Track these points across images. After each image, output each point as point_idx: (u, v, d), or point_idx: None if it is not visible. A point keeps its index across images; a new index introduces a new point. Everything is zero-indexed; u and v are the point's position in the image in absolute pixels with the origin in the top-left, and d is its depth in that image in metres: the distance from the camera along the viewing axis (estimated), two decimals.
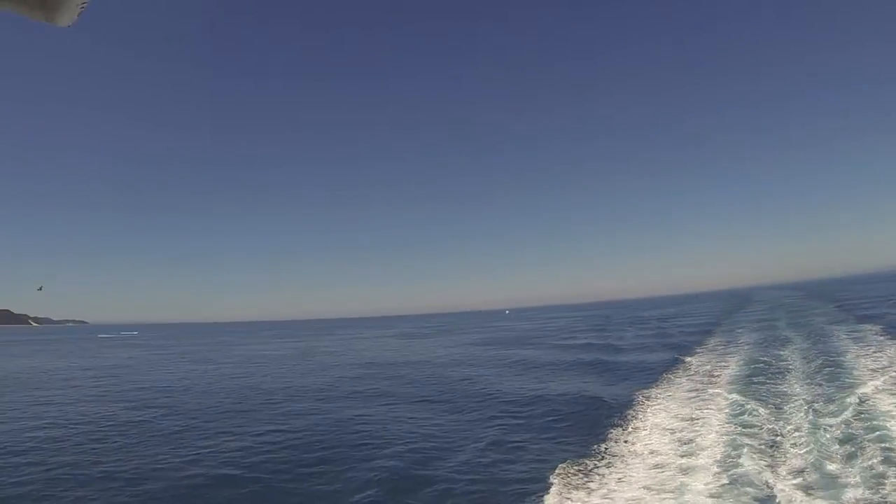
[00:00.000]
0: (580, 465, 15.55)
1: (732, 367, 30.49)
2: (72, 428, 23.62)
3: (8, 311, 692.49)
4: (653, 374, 31.27)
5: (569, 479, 14.42)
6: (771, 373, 27.01)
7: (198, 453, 18.76)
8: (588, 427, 20.37)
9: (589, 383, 31.07)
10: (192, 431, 22.31)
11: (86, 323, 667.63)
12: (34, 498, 14.89)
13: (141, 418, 25.45)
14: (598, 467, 15.33)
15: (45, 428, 23.81)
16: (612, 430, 19.19)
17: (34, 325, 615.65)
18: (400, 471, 16.15)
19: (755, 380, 25.52)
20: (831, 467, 13.28)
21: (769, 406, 19.93)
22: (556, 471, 15.04)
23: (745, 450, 14.84)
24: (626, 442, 17.78)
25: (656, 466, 14.98)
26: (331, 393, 31.48)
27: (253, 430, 22.14)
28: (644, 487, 13.57)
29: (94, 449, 19.81)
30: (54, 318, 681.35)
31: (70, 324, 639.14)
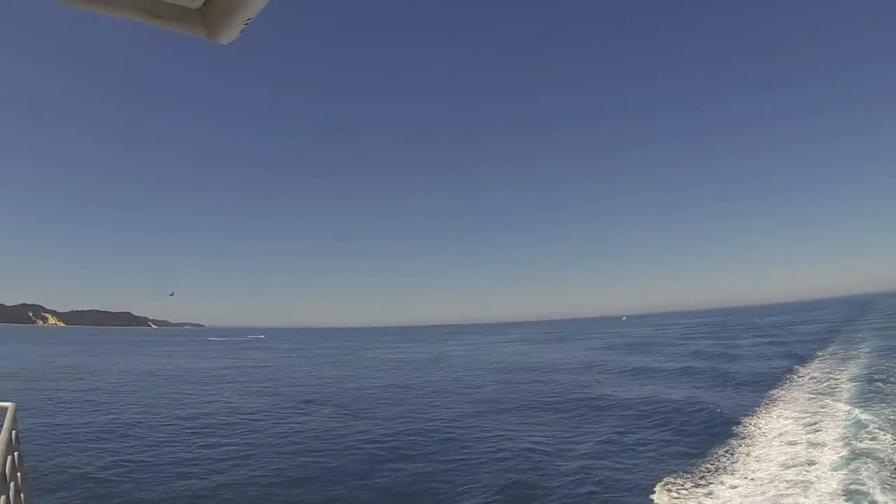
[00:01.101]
0: (688, 474, 16.82)
1: (852, 374, 31.09)
2: (247, 415, 28.51)
3: (129, 313, 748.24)
4: (768, 382, 32.54)
5: (674, 491, 15.43)
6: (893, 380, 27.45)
7: (354, 441, 22.57)
8: (704, 432, 21.97)
9: (705, 390, 32.60)
10: (354, 425, 26.31)
11: (202, 326, 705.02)
12: (239, 466, 19.01)
13: (306, 411, 29.91)
14: (714, 471, 16.68)
15: (224, 414, 28.90)
16: (729, 436, 20.64)
17: (153, 326, 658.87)
18: (525, 466, 18.11)
19: (876, 387, 25.94)
20: None
21: (892, 417, 20.18)
22: (665, 478, 16.45)
23: (867, 459, 15.18)
24: (742, 448, 18.94)
25: (777, 469, 15.73)
26: (469, 394, 34.48)
27: (402, 424, 25.87)
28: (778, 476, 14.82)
29: (274, 432, 24.32)
30: (172, 321, 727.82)
31: (187, 326, 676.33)
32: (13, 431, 5.24)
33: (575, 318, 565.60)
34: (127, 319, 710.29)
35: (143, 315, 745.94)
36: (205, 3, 1.80)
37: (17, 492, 4.61)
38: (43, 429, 23.62)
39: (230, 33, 1.80)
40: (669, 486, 15.58)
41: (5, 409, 5.87)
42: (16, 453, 5.05)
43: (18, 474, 4.87)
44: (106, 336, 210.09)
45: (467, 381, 41.32)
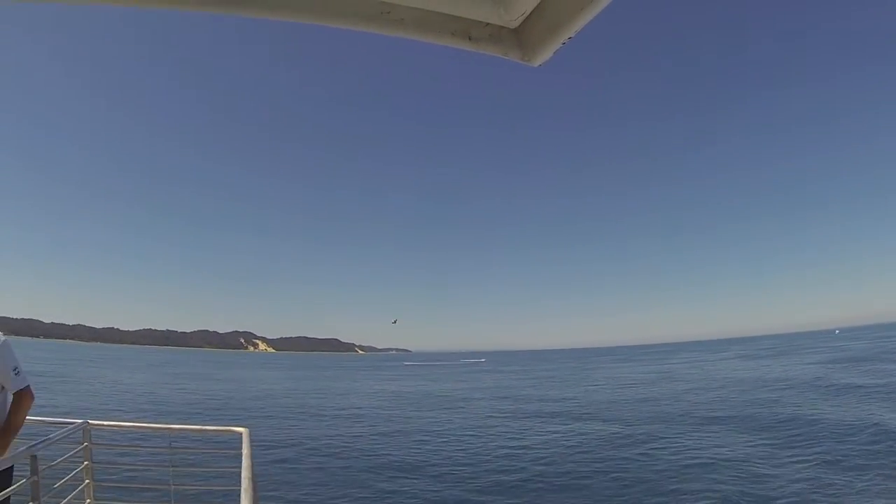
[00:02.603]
0: None
1: None
2: (528, 431, 29.72)
3: (336, 339, 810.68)
4: None
5: None
6: None
7: (627, 449, 23.71)
8: None
9: None
10: (622, 435, 27.71)
11: (409, 351, 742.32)
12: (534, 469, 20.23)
13: (583, 427, 30.99)
14: None
15: (500, 430, 30.45)
16: None
17: (360, 352, 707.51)
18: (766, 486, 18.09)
19: None
20: None
21: None
22: None
23: None
24: None
25: None
26: (710, 410, 35.21)
27: (661, 439, 26.54)
28: None
29: (565, 445, 25.42)
30: (378, 347, 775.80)
31: (393, 351, 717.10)
32: (249, 455, 5.65)
33: (781, 334, 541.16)
34: (334, 345, 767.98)
35: (349, 341, 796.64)
36: (522, 23, 1.79)
37: None
38: (276, 450, 24.43)
39: (545, 54, 1.80)
40: None
41: (240, 433, 6.41)
42: (251, 474, 5.22)
43: (253, 495, 4.79)
44: (320, 360, 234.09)
45: (705, 397, 42.75)
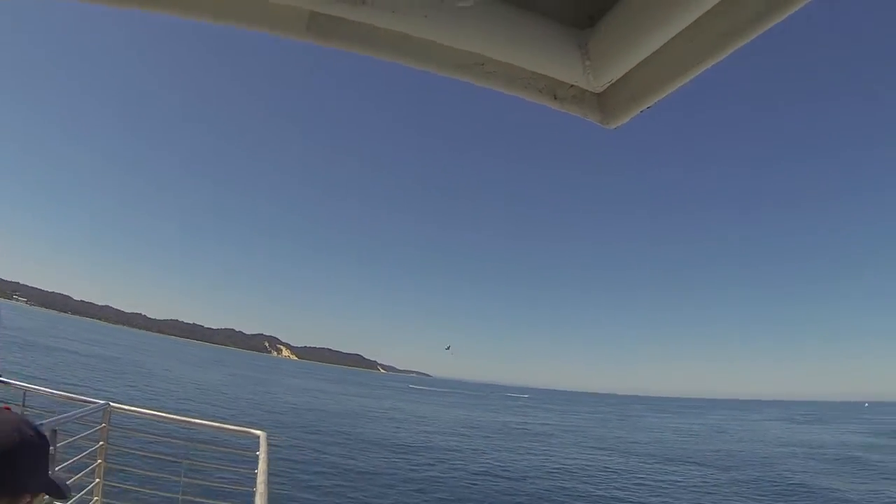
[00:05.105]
0: None
1: None
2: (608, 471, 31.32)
3: (360, 355, 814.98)
4: None
5: None
6: None
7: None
8: None
9: None
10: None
11: (429, 375, 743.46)
12: None
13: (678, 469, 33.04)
14: None
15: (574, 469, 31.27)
16: None
17: (381, 371, 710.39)
18: None
19: None
20: None
21: None
22: None
23: None
24: None
25: None
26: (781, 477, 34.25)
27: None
28: None
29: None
30: (398, 367, 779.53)
31: (413, 374, 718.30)
32: (266, 458, 5.87)
33: (807, 401, 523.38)
34: (357, 361, 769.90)
35: (372, 359, 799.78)
36: (607, 89, 1.86)
37: None
38: (292, 458, 24.62)
39: (622, 119, 1.90)
40: None
41: (258, 436, 6.52)
42: (266, 478, 5.36)
43: (266, 497, 5.02)
44: (346, 375, 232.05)
45: (789, 464, 40.84)
